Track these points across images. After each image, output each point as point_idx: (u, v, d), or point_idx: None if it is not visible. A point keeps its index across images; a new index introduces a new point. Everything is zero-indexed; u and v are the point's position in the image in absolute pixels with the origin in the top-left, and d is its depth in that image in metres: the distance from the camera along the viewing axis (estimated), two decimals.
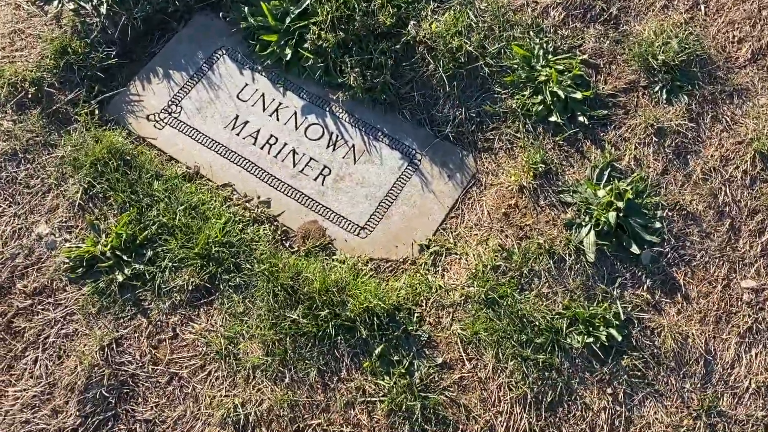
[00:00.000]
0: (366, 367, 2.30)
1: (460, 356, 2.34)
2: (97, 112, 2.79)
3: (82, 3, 2.94)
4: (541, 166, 2.60)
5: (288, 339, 2.33)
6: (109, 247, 2.47)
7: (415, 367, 2.30)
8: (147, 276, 2.45)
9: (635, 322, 2.39)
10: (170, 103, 2.88)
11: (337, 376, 2.31)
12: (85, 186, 2.60)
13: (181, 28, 3.07)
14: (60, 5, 2.97)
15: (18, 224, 2.56)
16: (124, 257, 2.47)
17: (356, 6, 2.79)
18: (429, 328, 2.39)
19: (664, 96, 2.77)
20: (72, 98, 2.81)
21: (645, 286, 2.46)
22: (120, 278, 2.44)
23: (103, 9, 2.92)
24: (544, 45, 2.84)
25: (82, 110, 2.78)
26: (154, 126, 2.83)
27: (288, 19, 2.88)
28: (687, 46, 2.79)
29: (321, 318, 2.34)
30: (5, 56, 2.87)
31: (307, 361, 2.32)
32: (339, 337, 2.34)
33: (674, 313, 2.43)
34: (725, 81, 2.80)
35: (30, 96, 2.76)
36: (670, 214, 2.57)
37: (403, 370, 2.28)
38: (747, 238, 2.55)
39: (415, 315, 2.40)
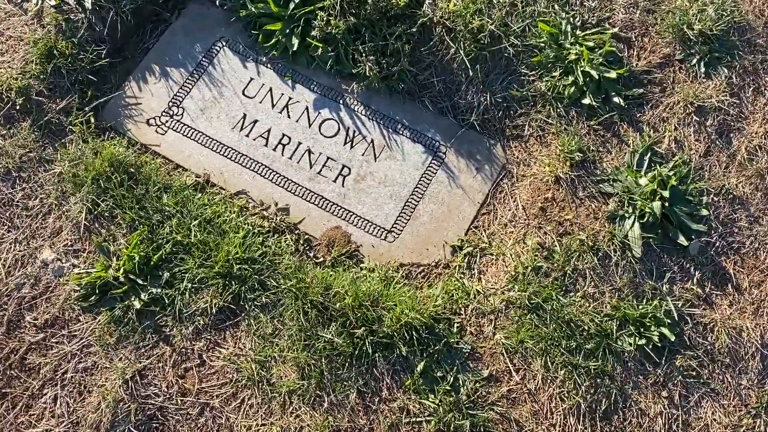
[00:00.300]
0: (408, 385, 2.18)
1: (507, 367, 2.22)
2: (92, 120, 2.57)
3: None
4: (578, 155, 2.43)
5: (323, 360, 2.20)
6: (121, 271, 2.29)
7: (461, 382, 2.18)
8: (166, 300, 2.29)
9: (687, 318, 2.27)
10: (171, 104, 2.66)
11: (378, 396, 2.19)
12: (89, 205, 2.40)
13: (174, 19, 2.81)
14: (39, 1, 2.70)
15: (20, 251, 2.37)
16: (139, 281, 2.29)
17: None
18: (471, 339, 2.25)
19: (702, 69, 2.58)
20: (64, 106, 2.57)
21: (694, 279, 2.33)
22: (137, 304, 2.27)
23: (87, 3, 2.66)
24: (571, 19, 2.63)
25: (76, 119, 2.55)
26: (156, 131, 2.62)
27: (292, 5, 2.64)
28: (724, 13, 2.60)
29: (357, 336, 2.20)
30: None
31: (345, 383, 2.19)
32: (377, 355, 2.20)
33: (726, 306, 2.31)
34: (766, 49, 2.62)
35: (18, 107, 2.53)
36: (715, 199, 2.42)
37: (448, 387, 2.16)
38: None
39: (455, 325, 2.27)
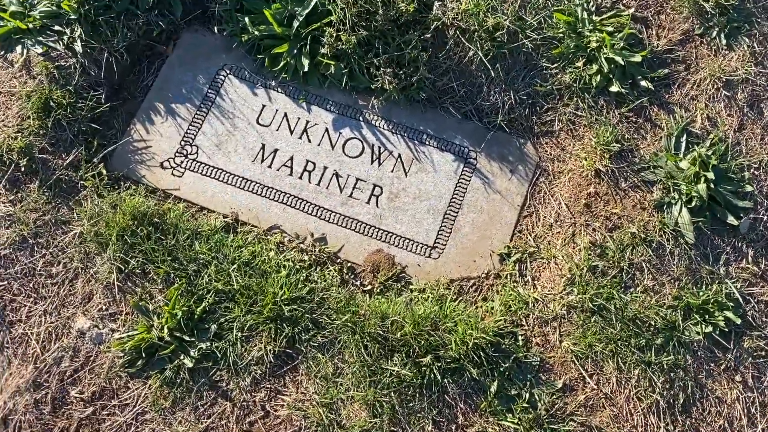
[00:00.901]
0: (484, 407, 2.11)
1: (580, 374, 2.17)
2: (104, 171, 2.41)
3: (50, 44, 2.50)
4: (615, 146, 2.37)
5: (393, 394, 2.12)
6: (165, 329, 2.17)
7: (536, 397, 2.12)
8: (218, 353, 2.18)
9: (748, 298, 2.25)
10: (183, 143, 2.52)
11: (455, 423, 2.12)
12: (118, 263, 2.26)
13: (170, 52, 2.65)
14: (25, 51, 2.52)
15: (52, 322, 2.23)
16: (186, 337, 2.18)
17: None
18: (538, 350, 2.20)
19: (723, 41, 2.54)
20: (71, 161, 2.41)
21: (749, 257, 2.30)
22: (188, 362, 2.16)
23: (77, 47, 2.49)
24: (586, 5, 2.55)
25: (86, 173, 2.40)
26: (173, 174, 2.48)
27: (296, 23, 2.51)
28: None
29: (423, 364, 2.12)
30: None
31: (418, 415, 2.12)
32: (446, 381, 2.13)
33: None
34: None
35: (23, 168, 2.36)
36: (756, 173, 2.39)
37: (525, 404, 2.10)
38: None
39: (520, 338, 2.20)
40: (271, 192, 2.45)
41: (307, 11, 2.50)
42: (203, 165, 2.49)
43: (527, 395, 2.12)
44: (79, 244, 2.30)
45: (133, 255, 2.27)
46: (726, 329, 2.19)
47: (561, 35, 2.52)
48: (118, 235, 2.27)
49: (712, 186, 2.29)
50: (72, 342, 2.21)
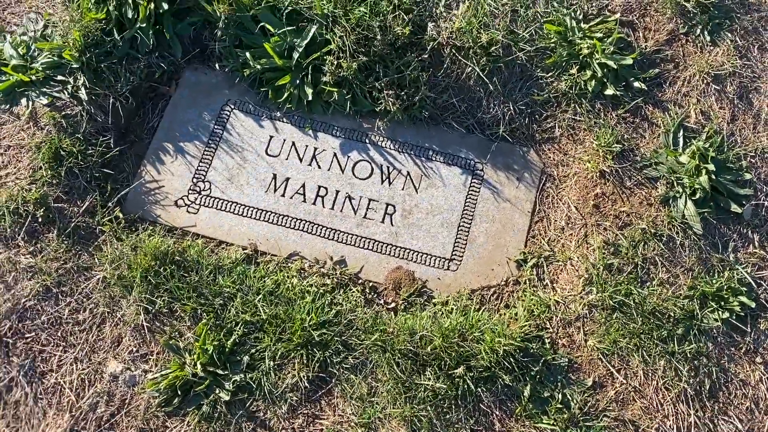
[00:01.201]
0: (519, 412, 2.16)
1: (608, 371, 2.23)
2: (120, 215, 2.44)
3: (55, 94, 2.53)
4: (616, 147, 2.45)
5: (429, 408, 2.16)
6: (198, 365, 2.19)
7: (569, 397, 2.18)
8: (252, 384, 2.20)
9: (759, 281, 2.33)
10: (195, 180, 2.55)
11: (492, 430, 2.16)
12: (144, 304, 2.28)
13: (173, 92, 2.70)
14: (30, 103, 2.54)
15: (84, 369, 2.24)
16: (220, 371, 2.20)
17: (373, 25, 2.50)
18: (565, 351, 2.26)
19: (708, 38, 2.64)
20: (87, 207, 2.44)
21: (755, 242, 2.39)
22: (224, 396, 2.18)
23: (82, 94, 2.52)
24: (573, 14, 2.64)
25: (103, 218, 2.42)
26: (188, 211, 2.51)
27: (296, 54, 2.57)
28: None
29: (456, 376, 2.17)
30: None
31: (456, 426, 2.16)
32: (479, 390, 2.18)
33: None
34: (759, 6, 2.70)
35: (40, 219, 2.38)
36: (753, 161, 2.49)
37: (559, 405, 2.15)
38: None
39: (546, 341, 2.26)
40: (286, 220, 2.50)
41: (306, 42, 2.56)
42: (217, 200, 2.52)
43: (560, 396, 2.17)
44: (104, 288, 2.32)
45: (158, 295, 2.29)
46: (742, 314, 2.27)
47: (553, 45, 2.60)
48: (141, 276, 2.29)
49: (713, 177, 2.38)
50: (106, 387, 2.22)
